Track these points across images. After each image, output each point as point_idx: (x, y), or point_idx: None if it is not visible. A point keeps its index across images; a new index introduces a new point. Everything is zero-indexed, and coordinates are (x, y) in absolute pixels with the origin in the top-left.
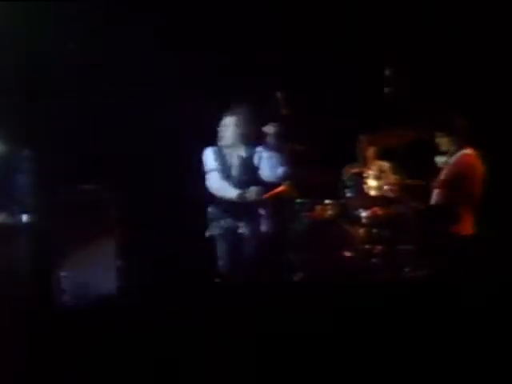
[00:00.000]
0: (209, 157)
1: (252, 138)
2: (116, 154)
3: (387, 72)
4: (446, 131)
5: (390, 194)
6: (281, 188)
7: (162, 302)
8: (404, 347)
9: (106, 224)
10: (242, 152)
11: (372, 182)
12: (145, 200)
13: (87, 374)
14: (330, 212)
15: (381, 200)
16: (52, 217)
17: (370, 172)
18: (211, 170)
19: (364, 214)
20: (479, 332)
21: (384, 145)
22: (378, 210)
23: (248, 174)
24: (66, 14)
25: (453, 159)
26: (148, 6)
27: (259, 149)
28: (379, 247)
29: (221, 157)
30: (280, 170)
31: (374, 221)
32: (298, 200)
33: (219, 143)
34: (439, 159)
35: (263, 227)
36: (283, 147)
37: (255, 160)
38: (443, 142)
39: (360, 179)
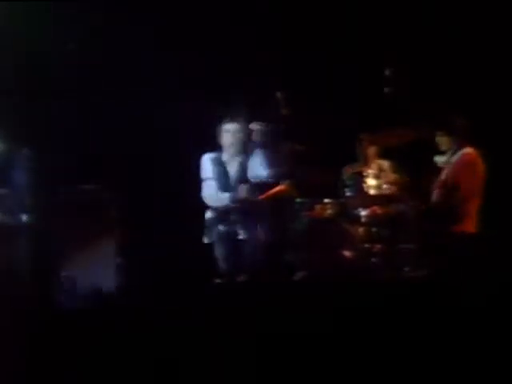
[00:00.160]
0: (206, 164)
1: (252, 147)
2: (116, 154)
3: (387, 72)
4: (446, 131)
5: (390, 193)
6: (280, 187)
7: (162, 301)
8: (404, 347)
9: (105, 224)
10: (241, 159)
11: (372, 181)
12: (145, 200)
13: (87, 374)
14: (329, 211)
15: (380, 199)
16: (52, 217)
17: (370, 171)
18: (207, 179)
19: (364, 213)
20: (479, 332)
21: (384, 144)
22: (378, 209)
23: (244, 178)
24: (66, 14)
25: (454, 158)
26: (148, 6)
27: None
28: (379, 246)
29: (218, 164)
30: (267, 168)
31: (373, 220)
32: (298, 199)
33: (218, 149)
34: (439, 159)
35: (263, 227)
36: (270, 144)
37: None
38: (443, 141)
39: (360, 178)
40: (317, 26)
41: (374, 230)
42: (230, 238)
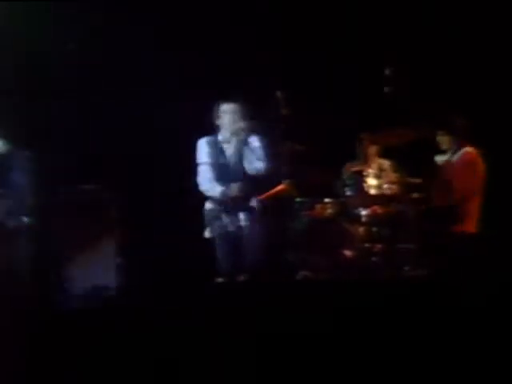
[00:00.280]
0: (202, 149)
1: (248, 129)
2: (116, 154)
3: (387, 72)
4: (447, 130)
5: (390, 193)
6: (280, 187)
7: (162, 301)
8: (404, 346)
9: (106, 224)
10: (237, 142)
11: (372, 181)
12: (145, 200)
13: (87, 374)
14: (329, 211)
15: (381, 199)
16: (52, 217)
17: (370, 170)
18: (202, 164)
19: (364, 212)
20: (479, 332)
21: (384, 144)
22: (378, 209)
23: (240, 166)
24: (66, 13)
25: (454, 158)
26: (148, 6)
27: (251, 139)
28: (379, 246)
29: (214, 148)
30: (259, 165)
31: (373, 219)
32: (298, 199)
33: (215, 132)
34: (439, 158)
35: (263, 226)
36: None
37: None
38: (444, 141)
39: (360, 178)
40: (317, 26)
41: (374, 229)
42: (231, 235)
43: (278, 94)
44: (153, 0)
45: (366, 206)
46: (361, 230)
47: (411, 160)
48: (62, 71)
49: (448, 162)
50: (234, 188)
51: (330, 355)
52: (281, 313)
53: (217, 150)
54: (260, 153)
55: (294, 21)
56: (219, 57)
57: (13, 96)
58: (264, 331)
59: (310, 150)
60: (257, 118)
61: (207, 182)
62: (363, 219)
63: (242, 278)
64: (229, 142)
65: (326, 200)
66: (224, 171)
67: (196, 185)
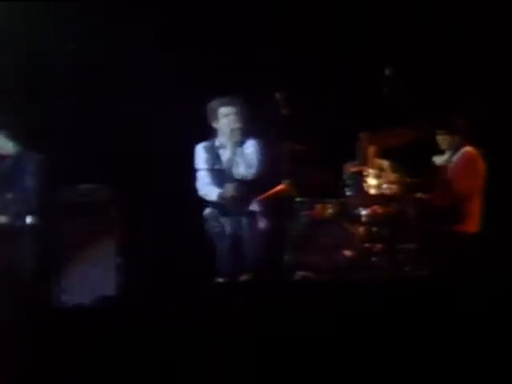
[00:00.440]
0: (199, 154)
1: (246, 132)
2: (116, 154)
3: (387, 72)
4: (447, 130)
5: (390, 193)
6: (280, 187)
7: (162, 301)
8: (404, 346)
9: (105, 224)
10: (233, 146)
11: (372, 181)
12: (145, 200)
13: (87, 374)
14: (329, 211)
15: (381, 198)
16: (52, 217)
17: (370, 170)
18: (199, 170)
19: (364, 212)
20: (479, 332)
21: (384, 144)
22: (378, 209)
23: (234, 171)
24: (66, 13)
25: (454, 158)
26: (148, 6)
27: (246, 144)
28: (379, 246)
29: (211, 153)
30: (248, 171)
31: (373, 219)
32: (298, 199)
33: (213, 135)
34: (438, 159)
35: (263, 226)
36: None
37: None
38: (444, 140)
39: (360, 178)
40: (317, 26)
41: (374, 229)
42: (230, 235)
43: (278, 94)
44: (152, 0)
45: (365, 206)
46: (361, 229)
47: (411, 160)
48: (62, 71)
49: (448, 161)
50: (230, 188)
51: (329, 355)
52: (281, 313)
53: (213, 156)
54: (251, 158)
55: (294, 21)
56: (219, 57)
57: (12, 96)
58: (264, 331)
59: (310, 150)
60: (254, 120)
61: (205, 186)
62: (363, 219)
63: (241, 278)
64: (225, 147)
65: (326, 200)
66: (220, 176)
67: (195, 185)
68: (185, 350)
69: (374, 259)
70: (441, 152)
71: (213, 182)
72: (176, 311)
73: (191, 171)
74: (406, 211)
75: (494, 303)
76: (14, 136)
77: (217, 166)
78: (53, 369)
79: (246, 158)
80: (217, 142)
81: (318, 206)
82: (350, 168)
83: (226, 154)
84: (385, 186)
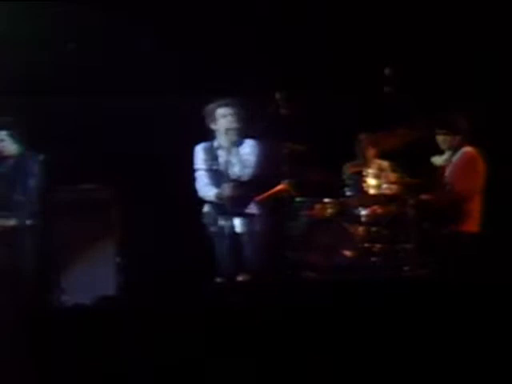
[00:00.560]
0: (197, 155)
1: (244, 133)
2: (116, 154)
3: (387, 72)
4: (447, 130)
5: (390, 193)
6: (280, 187)
7: (162, 301)
8: (404, 346)
9: (105, 224)
10: (230, 146)
11: (372, 181)
12: (145, 200)
13: (87, 373)
14: (329, 211)
15: (380, 199)
16: (52, 217)
17: (370, 171)
18: (198, 170)
19: (364, 212)
20: (480, 332)
21: (384, 145)
22: (378, 209)
23: (232, 171)
24: (67, 14)
25: (455, 157)
26: (148, 6)
27: (243, 145)
28: (379, 246)
29: (209, 154)
30: (244, 172)
31: (373, 219)
32: (298, 199)
33: (211, 136)
34: (436, 159)
35: (263, 226)
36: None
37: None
38: (443, 140)
39: (360, 178)
40: (316, 26)
41: (373, 229)
42: (231, 235)
43: (278, 94)
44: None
45: (365, 206)
46: (360, 230)
47: (411, 160)
48: (62, 71)
49: (448, 161)
50: (226, 188)
51: (330, 355)
52: (280, 313)
53: (211, 157)
54: (247, 158)
55: (294, 21)
56: (219, 57)
57: (12, 96)
58: (263, 331)
59: (310, 150)
60: (252, 120)
61: (203, 186)
62: (363, 219)
63: (241, 278)
64: (223, 148)
65: (326, 200)
66: (218, 177)
67: (195, 185)
68: (185, 350)
69: (373, 259)
70: (441, 152)
71: (211, 182)
72: (175, 311)
73: (191, 172)
74: (405, 211)
75: (494, 303)
76: (15, 136)
77: (214, 167)
78: (53, 369)
79: (243, 159)
80: (215, 143)
81: (318, 206)
82: (350, 168)
83: (223, 155)
84: (384, 186)
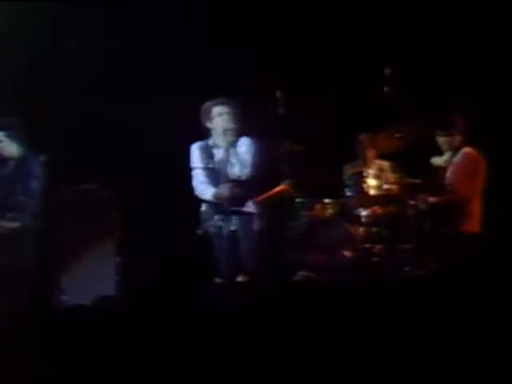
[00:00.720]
0: (194, 154)
1: (241, 132)
2: (116, 155)
3: (387, 72)
4: (447, 131)
5: (390, 193)
6: (280, 187)
7: (162, 301)
8: (404, 346)
9: (105, 224)
10: (227, 146)
11: (372, 181)
12: (145, 200)
13: (87, 373)
14: (329, 211)
15: (381, 199)
16: (52, 217)
17: (370, 171)
18: (194, 169)
19: (364, 213)
20: (480, 332)
21: (384, 145)
22: (378, 209)
23: (229, 170)
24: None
25: (455, 158)
26: (148, 6)
27: (240, 144)
28: (379, 246)
29: (205, 153)
30: (242, 171)
31: (373, 220)
32: (298, 199)
33: (208, 135)
34: (435, 160)
35: (263, 227)
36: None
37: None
38: (444, 141)
39: (360, 178)
40: (316, 26)
41: (374, 229)
42: (230, 235)
43: (277, 93)
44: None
45: (365, 207)
46: (361, 230)
47: (411, 160)
48: (62, 71)
49: (448, 162)
50: (224, 188)
51: (329, 356)
52: (280, 313)
53: (207, 155)
54: (245, 158)
55: (294, 21)
56: (219, 57)
57: (15, 98)
58: (263, 331)
59: (310, 150)
60: (250, 119)
61: (200, 185)
62: (363, 220)
63: (241, 278)
64: (219, 147)
65: (326, 200)
66: (214, 176)
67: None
68: (184, 350)
69: (373, 259)
70: (441, 152)
71: (207, 181)
72: (175, 311)
73: (190, 171)
74: (405, 212)
75: (494, 303)
76: (13, 137)
77: (210, 165)
78: (53, 369)
79: (240, 158)
80: (211, 142)
81: (318, 207)
82: (351, 169)
83: (219, 154)
84: (385, 186)
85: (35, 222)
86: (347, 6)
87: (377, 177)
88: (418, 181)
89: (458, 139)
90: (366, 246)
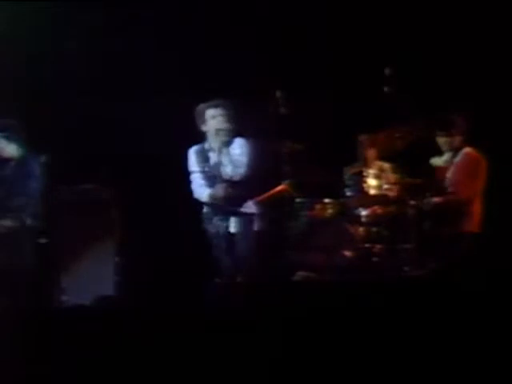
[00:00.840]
0: (190, 158)
1: (234, 133)
2: (116, 155)
3: (387, 72)
4: (447, 131)
5: (390, 193)
6: (280, 187)
7: (162, 301)
8: (404, 347)
9: (105, 224)
10: (221, 147)
11: (372, 182)
12: (145, 200)
13: (87, 373)
14: (330, 211)
15: (381, 199)
16: (52, 217)
17: (370, 171)
18: (192, 172)
19: (364, 213)
20: (480, 332)
21: (384, 146)
22: (378, 209)
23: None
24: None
25: (455, 158)
26: (148, 6)
27: (234, 145)
28: (379, 246)
29: (201, 157)
30: (236, 172)
31: (373, 220)
32: (298, 199)
33: (203, 139)
34: (435, 161)
35: (263, 226)
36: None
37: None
38: (444, 141)
39: (360, 178)
40: (316, 26)
41: (374, 229)
42: (230, 235)
43: (277, 93)
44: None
45: (366, 207)
46: (361, 230)
47: (411, 161)
48: (62, 71)
49: (448, 162)
50: (219, 189)
51: (329, 356)
52: (280, 313)
53: (203, 158)
54: (238, 158)
55: (294, 20)
56: (219, 57)
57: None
58: (263, 331)
59: (310, 150)
60: (245, 120)
61: (197, 188)
62: (363, 220)
63: (241, 278)
64: (214, 150)
65: (326, 200)
66: (211, 178)
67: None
68: (184, 350)
69: (373, 259)
70: (441, 153)
71: (204, 183)
72: (175, 311)
73: (190, 171)
74: (406, 212)
75: (494, 303)
76: (12, 138)
77: (206, 169)
78: (52, 369)
79: (233, 159)
80: (207, 146)
81: (318, 206)
82: (351, 169)
83: (214, 157)
84: (385, 186)
85: (35, 222)
86: (347, 6)
87: (377, 177)
88: (418, 181)
89: (458, 139)
90: (366, 245)
